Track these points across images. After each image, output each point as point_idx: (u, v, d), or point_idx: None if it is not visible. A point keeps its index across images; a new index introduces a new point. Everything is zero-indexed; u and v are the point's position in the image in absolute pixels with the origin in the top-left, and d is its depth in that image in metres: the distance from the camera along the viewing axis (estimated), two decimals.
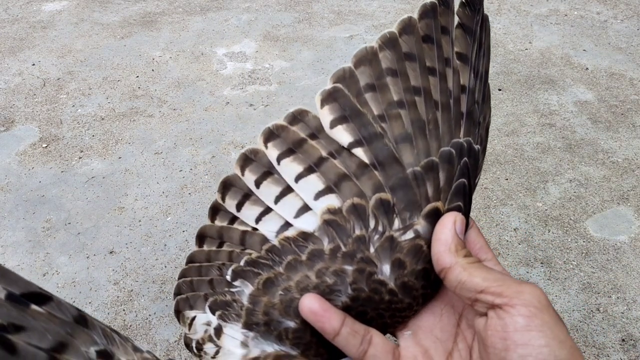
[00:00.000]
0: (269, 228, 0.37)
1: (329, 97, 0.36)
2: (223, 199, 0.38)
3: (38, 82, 2.16)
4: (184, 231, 1.54)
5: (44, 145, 1.87)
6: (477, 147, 0.36)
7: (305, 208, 0.36)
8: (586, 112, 1.98)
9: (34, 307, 0.27)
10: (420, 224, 0.34)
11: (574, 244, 1.52)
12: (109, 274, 1.45)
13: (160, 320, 1.34)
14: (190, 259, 0.41)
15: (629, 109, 1.99)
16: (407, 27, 0.37)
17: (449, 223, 0.33)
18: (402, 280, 0.34)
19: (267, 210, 0.37)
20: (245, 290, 0.37)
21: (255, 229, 0.38)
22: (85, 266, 1.47)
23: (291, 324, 0.35)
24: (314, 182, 0.36)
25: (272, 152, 0.37)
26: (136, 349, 0.32)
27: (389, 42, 0.37)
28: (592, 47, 2.33)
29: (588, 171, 1.74)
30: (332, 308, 0.34)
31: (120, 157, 1.82)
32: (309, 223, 0.36)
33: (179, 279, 0.42)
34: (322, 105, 0.36)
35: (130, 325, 1.33)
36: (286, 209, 0.36)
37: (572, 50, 2.31)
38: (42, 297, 0.28)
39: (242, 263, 0.37)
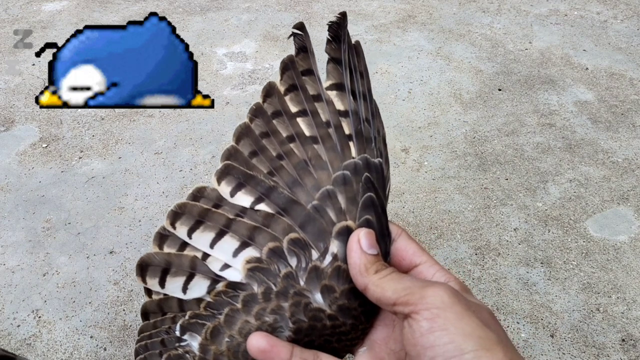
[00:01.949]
0: (198, 293, 0.39)
1: (223, 174, 0.40)
2: (144, 280, 0.40)
3: (38, 82, 2.16)
4: None
5: (44, 145, 1.87)
6: (376, 160, 0.39)
7: (227, 266, 0.38)
8: (586, 112, 1.98)
9: None
10: (335, 244, 0.36)
11: (574, 244, 1.52)
12: (109, 274, 1.45)
13: None
14: (140, 330, 0.43)
15: (629, 109, 1.99)
16: (269, 90, 0.41)
17: (354, 244, 0.35)
18: (337, 304, 0.35)
19: (191, 276, 0.39)
20: (193, 343, 0.39)
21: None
22: (85, 266, 1.47)
23: None
24: (229, 242, 0.38)
25: (181, 231, 0.39)
26: None
27: (255, 111, 0.41)
28: (592, 47, 2.33)
29: (588, 171, 1.74)
30: (280, 341, 0.35)
31: (120, 157, 1.82)
32: (234, 276, 0.38)
33: (136, 344, 0.44)
34: (219, 182, 0.39)
35: (130, 325, 1.33)
36: (209, 268, 0.38)
37: (572, 50, 2.31)
38: (6, 359, 0.30)
39: (187, 317, 0.39)
